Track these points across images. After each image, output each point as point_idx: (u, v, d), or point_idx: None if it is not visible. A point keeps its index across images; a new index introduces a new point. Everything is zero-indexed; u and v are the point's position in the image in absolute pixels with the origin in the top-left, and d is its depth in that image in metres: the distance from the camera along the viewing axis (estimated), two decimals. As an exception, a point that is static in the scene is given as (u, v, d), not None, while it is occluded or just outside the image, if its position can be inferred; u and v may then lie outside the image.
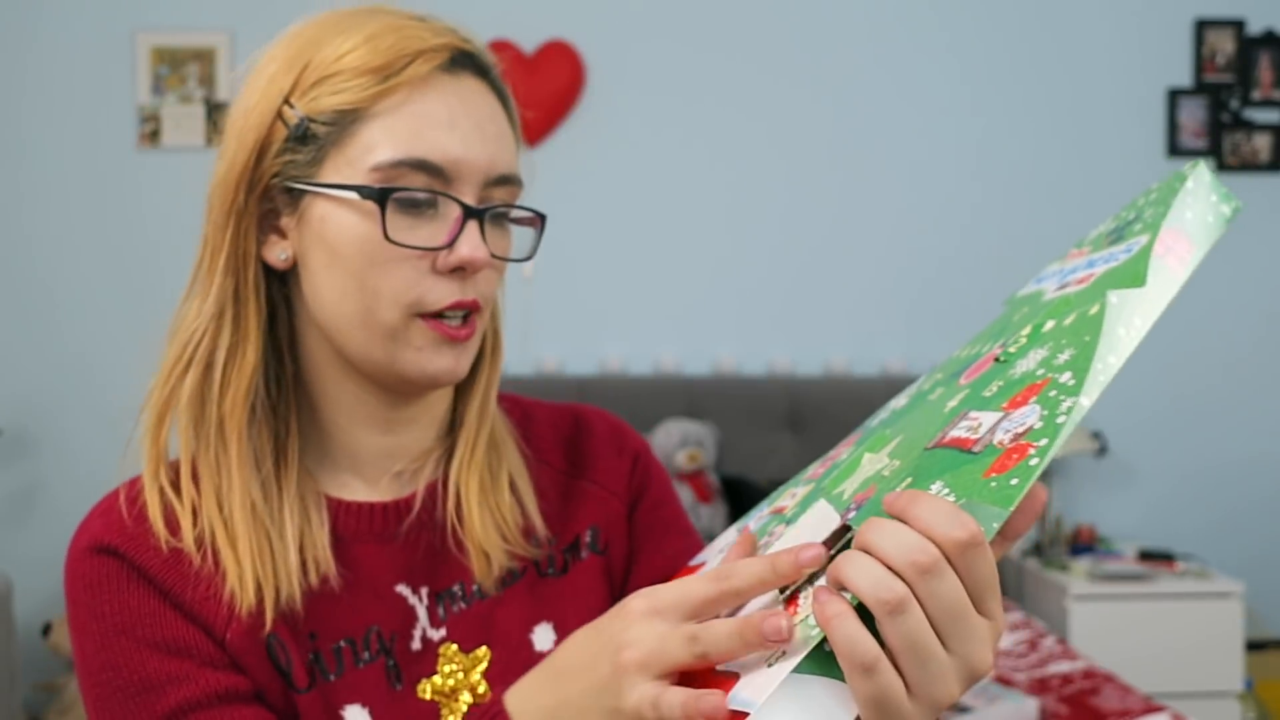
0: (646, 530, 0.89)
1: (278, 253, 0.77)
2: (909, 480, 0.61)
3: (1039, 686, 2.46)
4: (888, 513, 0.56)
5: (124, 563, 0.74)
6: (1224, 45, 3.59)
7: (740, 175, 3.56)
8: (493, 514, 0.82)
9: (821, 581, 0.57)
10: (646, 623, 0.59)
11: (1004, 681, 2.44)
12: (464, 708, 0.77)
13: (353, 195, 0.73)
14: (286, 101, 0.74)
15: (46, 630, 3.13)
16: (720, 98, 3.54)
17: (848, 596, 0.54)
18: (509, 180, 0.77)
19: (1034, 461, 0.55)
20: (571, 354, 3.48)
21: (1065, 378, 0.59)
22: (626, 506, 0.90)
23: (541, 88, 3.42)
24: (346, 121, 0.74)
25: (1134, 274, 0.63)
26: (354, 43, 0.74)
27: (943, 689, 0.53)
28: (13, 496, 3.45)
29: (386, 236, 0.72)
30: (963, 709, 2.06)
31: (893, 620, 0.52)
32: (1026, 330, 0.67)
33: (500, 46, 3.42)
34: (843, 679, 0.54)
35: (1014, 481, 0.54)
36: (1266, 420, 3.62)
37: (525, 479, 0.86)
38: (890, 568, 0.53)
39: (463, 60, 0.77)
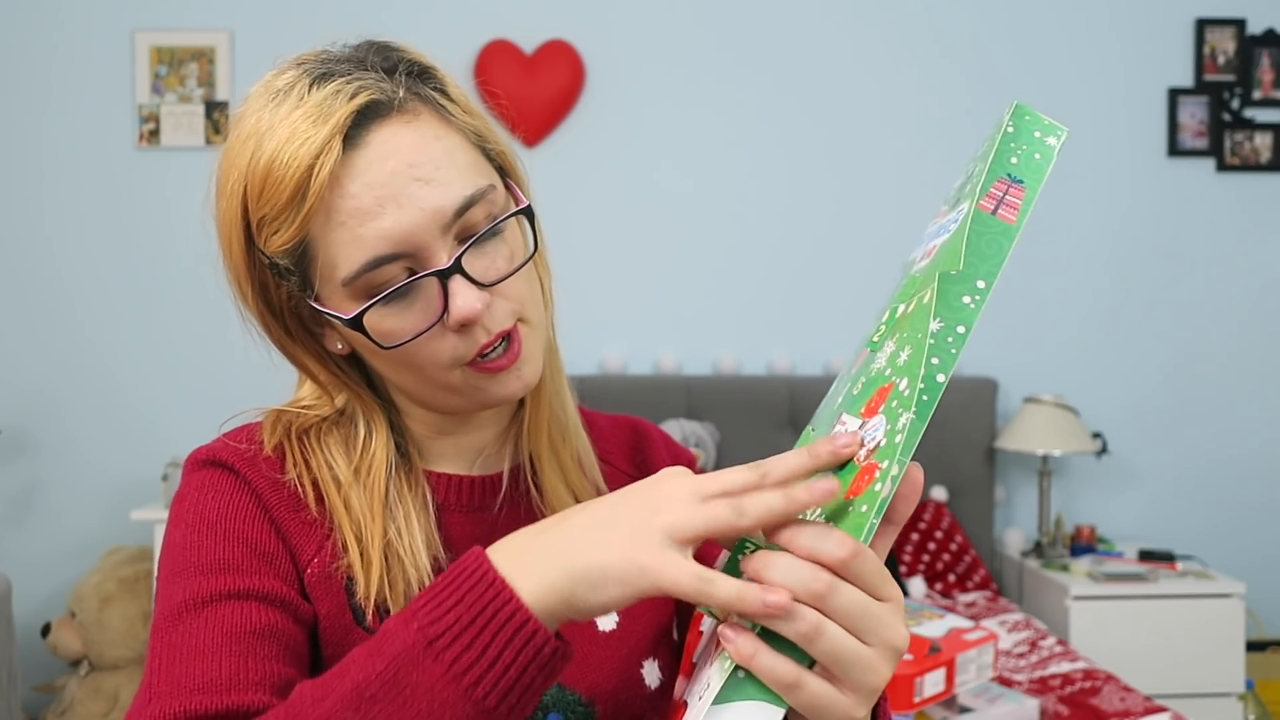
0: None
1: (335, 343, 0.83)
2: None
3: (1039, 687, 2.46)
4: (774, 543, 0.60)
5: (237, 476, 0.80)
6: (1225, 45, 3.58)
7: (740, 175, 3.56)
8: (564, 473, 0.89)
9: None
10: (684, 491, 0.62)
11: (1004, 682, 2.44)
12: None
13: (338, 319, 0.77)
14: (250, 243, 0.78)
15: (46, 630, 3.13)
16: (720, 98, 3.54)
17: (752, 625, 0.60)
18: (472, 201, 0.76)
19: (879, 488, 0.59)
20: (572, 354, 3.45)
21: (903, 385, 0.61)
22: None
23: (541, 88, 3.42)
24: (299, 253, 0.77)
25: (954, 251, 0.64)
26: (262, 171, 0.74)
27: (873, 677, 0.59)
28: (13, 496, 3.45)
29: (383, 348, 0.77)
30: (964, 709, 2.06)
31: (813, 644, 0.58)
32: (885, 315, 0.68)
33: (500, 46, 3.43)
34: (760, 698, 0.59)
35: (864, 509, 0.59)
36: (1266, 420, 3.62)
37: (592, 457, 0.92)
38: (794, 598, 0.58)
39: (360, 123, 0.74)
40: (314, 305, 0.78)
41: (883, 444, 0.60)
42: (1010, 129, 0.67)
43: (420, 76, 0.79)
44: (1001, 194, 0.65)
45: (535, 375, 0.81)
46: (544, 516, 0.88)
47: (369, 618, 0.79)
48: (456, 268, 0.75)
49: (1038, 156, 0.66)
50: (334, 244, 0.75)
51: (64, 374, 3.45)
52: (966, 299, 0.62)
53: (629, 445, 0.97)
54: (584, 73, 3.48)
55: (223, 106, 3.45)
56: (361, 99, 0.74)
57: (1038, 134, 0.67)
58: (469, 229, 0.77)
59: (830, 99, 3.56)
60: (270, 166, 0.74)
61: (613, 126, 3.51)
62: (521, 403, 0.90)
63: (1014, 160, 0.66)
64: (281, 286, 0.79)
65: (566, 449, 0.89)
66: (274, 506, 0.80)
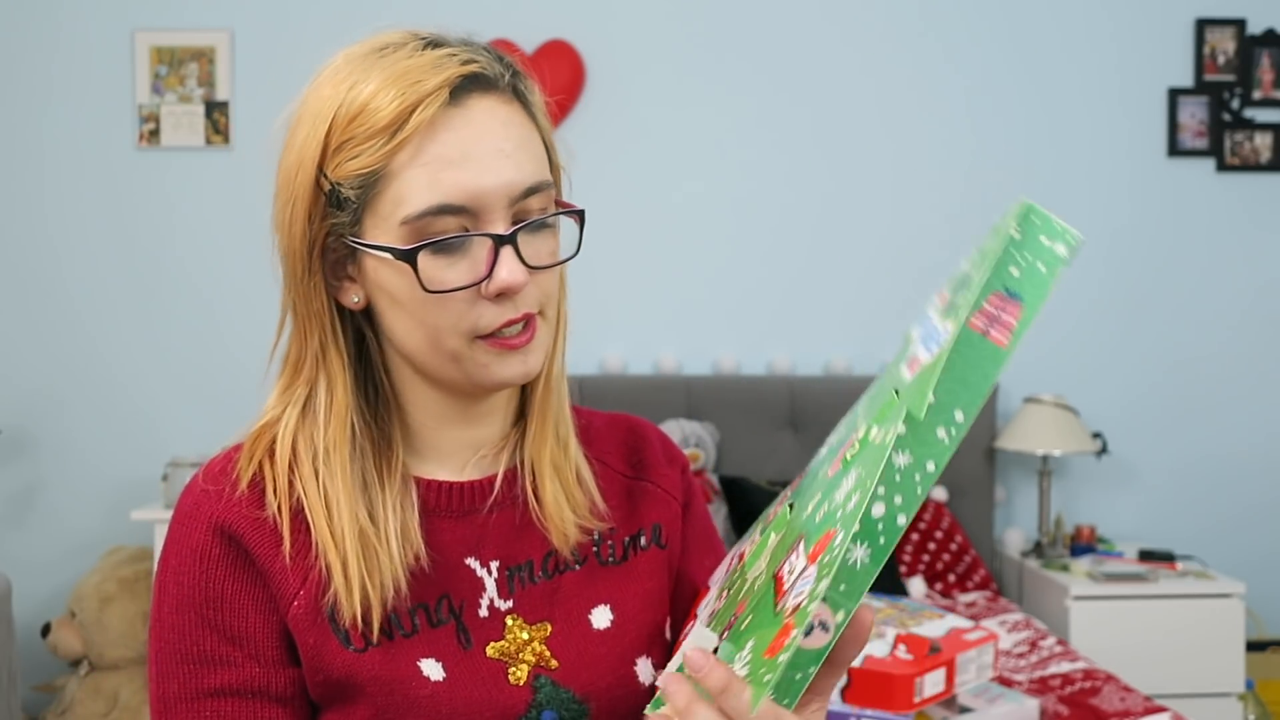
0: (689, 542, 0.98)
1: (351, 296, 0.84)
2: (750, 619, 0.65)
3: (1040, 687, 2.46)
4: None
5: (219, 537, 0.83)
6: (1224, 44, 3.58)
7: (739, 175, 3.56)
8: (565, 488, 0.90)
9: None
10: None
11: (1004, 682, 2.44)
12: (526, 667, 0.85)
13: (388, 255, 0.79)
14: (319, 168, 0.80)
15: (46, 630, 3.13)
16: (719, 97, 3.54)
17: None
18: (538, 188, 0.81)
19: (782, 658, 0.57)
20: (572, 354, 3.42)
21: (838, 541, 0.57)
22: (682, 508, 0.98)
23: (541, 88, 3.41)
24: (371, 182, 0.79)
25: (921, 385, 0.59)
26: (363, 100, 0.78)
27: None
28: (13, 496, 3.45)
29: (424, 288, 0.79)
30: (964, 709, 2.06)
31: None
32: (862, 430, 0.63)
33: (500, 46, 3.43)
34: None
35: (766, 678, 0.58)
36: (1266, 420, 3.62)
37: (587, 469, 0.93)
38: None
39: (466, 86, 0.80)
40: (357, 243, 0.80)
41: (801, 603, 0.58)
42: (1016, 234, 0.61)
43: (518, 76, 0.86)
44: (996, 312, 0.59)
45: (538, 366, 0.84)
46: (540, 523, 0.89)
47: (354, 637, 0.82)
48: (513, 238, 0.79)
49: (1042, 268, 0.60)
50: (410, 180, 0.78)
51: (64, 374, 3.45)
52: (941, 432, 0.57)
53: (625, 445, 0.98)
54: (584, 73, 3.48)
55: (223, 106, 3.45)
56: (473, 68, 0.81)
57: (1045, 240, 0.61)
58: (525, 213, 0.81)
59: (829, 99, 3.56)
60: (373, 96, 0.78)
61: (613, 126, 3.51)
62: (524, 410, 0.91)
63: (1014, 272, 0.60)
64: (328, 219, 0.81)
65: (569, 464, 0.91)
66: (254, 548, 0.82)
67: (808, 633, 0.58)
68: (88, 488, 3.43)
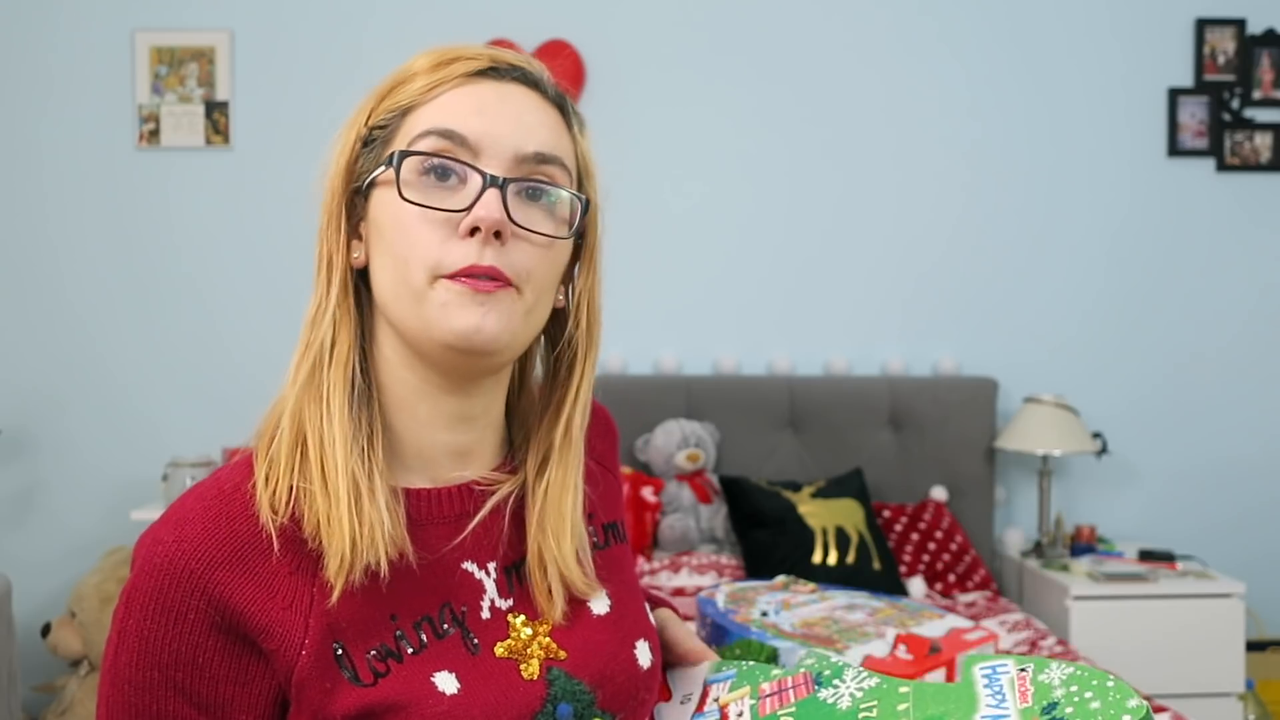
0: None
1: (355, 253, 0.85)
2: None
3: (1039, 687, 2.45)
4: None
5: (201, 599, 0.76)
6: (1224, 44, 3.58)
7: (740, 175, 3.56)
8: (569, 523, 0.89)
9: None
10: None
11: (1004, 682, 2.43)
12: (536, 662, 0.85)
13: (382, 169, 0.81)
14: (367, 120, 0.85)
15: (46, 630, 3.13)
16: (719, 98, 3.54)
17: None
18: (548, 159, 0.83)
19: None
20: (571, 354, 3.47)
21: None
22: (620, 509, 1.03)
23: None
24: (399, 116, 0.83)
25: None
26: (412, 63, 0.85)
27: None
28: (13, 496, 3.45)
29: (401, 195, 0.79)
30: (963, 709, 2.06)
31: None
32: None
33: (500, 46, 3.43)
34: None
35: None
36: (1266, 420, 3.62)
37: (580, 479, 0.93)
38: None
39: (508, 70, 0.84)
40: (368, 178, 0.83)
41: None
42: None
43: (572, 111, 0.92)
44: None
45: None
46: (530, 533, 0.89)
47: (363, 673, 0.78)
48: (504, 183, 0.80)
49: None
50: (428, 114, 0.82)
51: (64, 374, 3.45)
52: None
53: (597, 432, 1.03)
54: (584, 73, 3.48)
55: (223, 106, 3.45)
56: (521, 73, 0.86)
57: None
58: (533, 176, 0.83)
59: (831, 99, 3.56)
60: (419, 58, 0.85)
61: (613, 126, 3.51)
62: (509, 424, 0.93)
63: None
64: (359, 165, 0.84)
65: (571, 496, 0.90)
66: (246, 610, 0.76)
67: None
68: (88, 488, 3.43)
